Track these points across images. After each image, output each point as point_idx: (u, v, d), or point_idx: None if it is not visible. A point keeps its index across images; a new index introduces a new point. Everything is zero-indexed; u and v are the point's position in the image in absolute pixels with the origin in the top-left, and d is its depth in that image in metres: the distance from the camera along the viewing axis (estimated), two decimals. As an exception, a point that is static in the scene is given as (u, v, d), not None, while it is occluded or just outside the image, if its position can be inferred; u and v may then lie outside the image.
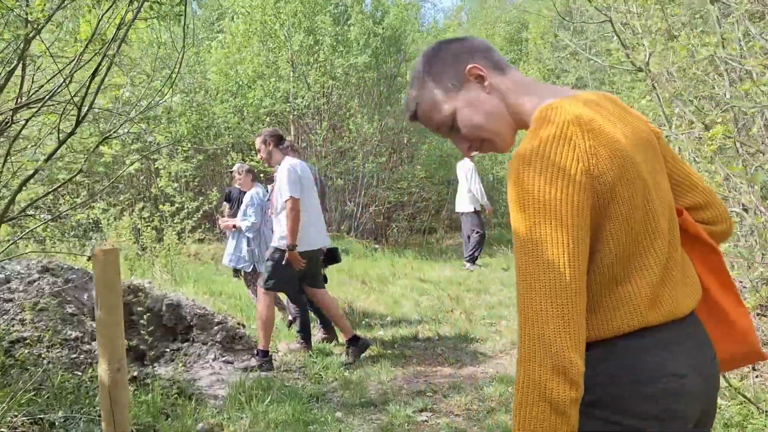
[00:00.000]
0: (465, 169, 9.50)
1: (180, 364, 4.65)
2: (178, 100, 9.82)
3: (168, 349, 5.05)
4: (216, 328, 5.20)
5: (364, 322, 6.35)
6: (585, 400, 1.07)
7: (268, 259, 5.04)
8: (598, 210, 1.10)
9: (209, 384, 4.46)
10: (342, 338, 5.73)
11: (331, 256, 5.63)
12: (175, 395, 3.95)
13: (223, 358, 4.99)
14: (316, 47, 11.42)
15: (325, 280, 5.56)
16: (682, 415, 1.13)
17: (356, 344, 5.11)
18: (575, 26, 19.15)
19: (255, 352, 4.95)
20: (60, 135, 2.79)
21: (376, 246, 12.18)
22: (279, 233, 5.02)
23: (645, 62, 4.41)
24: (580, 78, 16.47)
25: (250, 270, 6.22)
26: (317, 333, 5.65)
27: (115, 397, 2.31)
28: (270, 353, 4.94)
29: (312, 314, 5.56)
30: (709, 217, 1.37)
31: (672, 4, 4.91)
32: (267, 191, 5.97)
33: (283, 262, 4.89)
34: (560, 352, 1.02)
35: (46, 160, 2.78)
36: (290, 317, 5.98)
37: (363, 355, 5.17)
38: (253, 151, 11.85)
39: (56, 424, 3.17)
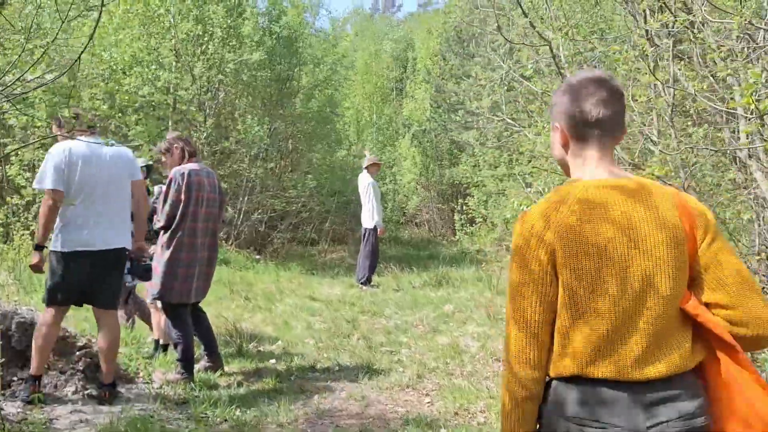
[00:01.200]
0: (363, 185, 9.09)
1: (35, 399, 3.73)
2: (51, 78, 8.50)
3: (16, 378, 4.08)
4: (78, 353, 4.30)
5: (252, 348, 5.66)
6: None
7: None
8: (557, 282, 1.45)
9: (70, 426, 3.60)
10: (227, 367, 5.05)
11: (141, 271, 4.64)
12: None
13: (87, 391, 4.11)
14: (205, 38, 10.48)
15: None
16: None
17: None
18: (465, 50, 19.57)
19: (107, 383, 4.06)
20: None
21: (258, 257, 11.39)
22: None
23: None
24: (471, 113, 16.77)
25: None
26: (201, 361, 4.90)
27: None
28: (38, 378, 3.85)
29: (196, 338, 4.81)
30: (733, 318, 1.42)
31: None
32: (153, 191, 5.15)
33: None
34: (521, 364, 1.45)
35: None
36: (161, 340, 5.17)
37: (255, 388, 4.53)
38: (125, 143, 10.65)
39: None
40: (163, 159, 4.80)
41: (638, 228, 1.41)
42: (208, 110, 10.89)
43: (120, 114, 10.84)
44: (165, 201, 4.48)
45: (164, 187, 4.58)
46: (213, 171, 4.90)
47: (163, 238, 4.51)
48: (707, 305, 1.44)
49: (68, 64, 10.05)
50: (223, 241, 11.64)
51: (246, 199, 12.16)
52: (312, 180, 12.48)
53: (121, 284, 4.32)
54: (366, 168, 9.31)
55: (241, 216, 12.12)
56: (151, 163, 5.93)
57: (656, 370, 1.37)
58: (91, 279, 3.90)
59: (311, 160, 13.36)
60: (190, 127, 11.21)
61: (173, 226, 4.46)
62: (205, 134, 10.71)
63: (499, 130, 8.20)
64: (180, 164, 4.62)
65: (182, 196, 4.46)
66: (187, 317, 4.58)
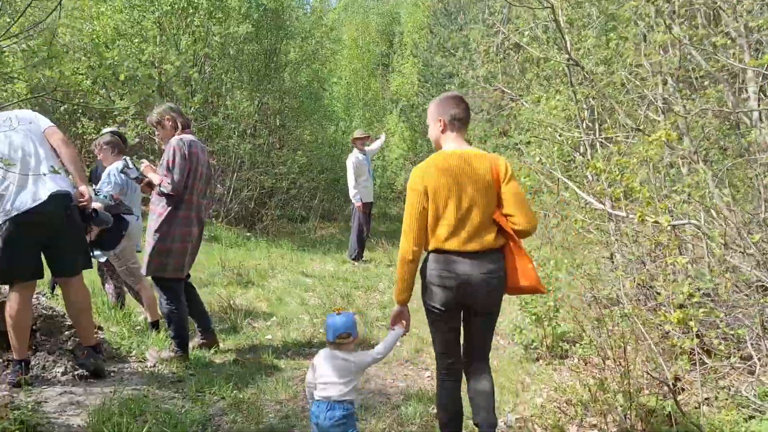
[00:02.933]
0: (350, 161, 8.93)
1: (21, 382, 3.60)
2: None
3: (2, 360, 3.94)
4: (66, 333, 4.16)
5: (247, 324, 5.55)
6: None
7: None
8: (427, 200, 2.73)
9: (60, 409, 3.47)
10: (222, 344, 4.94)
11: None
12: (16, 429, 2.97)
13: (77, 372, 3.99)
14: (190, 10, 10.17)
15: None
16: (446, 297, 2.70)
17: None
18: (453, 23, 19.28)
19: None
20: None
21: (249, 234, 11.24)
22: None
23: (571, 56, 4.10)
24: (464, 84, 16.54)
25: (104, 261, 5.18)
26: (194, 338, 4.79)
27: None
28: (24, 362, 3.70)
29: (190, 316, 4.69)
30: (513, 220, 2.69)
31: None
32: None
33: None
34: (408, 243, 2.74)
35: None
36: (149, 318, 5.03)
37: (251, 365, 4.44)
38: (108, 118, 10.40)
39: None
40: (157, 133, 4.62)
41: (469, 174, 2.67)
42: (194, 85, 10.62)
43: (104, 89, 10.57)
44: (170, 169, 4.23)
45: (169, 157, 4.27)
46: (204, 145, 4.74)
47: (158, 208, 4.31)
48: (505, 215, 2.70)
49: (47, 27, 9.75)
50: (213, 219, 11.48)
51: (235, 176, 11.96)
52: (301, 156, 12.28)
53: (81, 246, 3.86)
54: (352, 143, 9.16)
55: (231, 193, 11.94)
56: (114, 129, 5.64)
57: (478, 246, 2.66)
58: (40, 245, 3.61)
59: (300, 136, 13.13)
60: (177, 102, 10.95)
61: (176, 199, 4.27)
62: (192, 110, 10.46)
63: (495, 100, 8.00)
64: (174, 136, 4.43)
65: (188, 165, 4.28)
66: (180, 293, 4.45)
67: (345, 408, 2.70)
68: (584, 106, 4.94)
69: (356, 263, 8.88)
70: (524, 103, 5.45)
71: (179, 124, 4.46)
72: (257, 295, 6.69)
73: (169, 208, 4.29)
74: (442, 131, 2.83)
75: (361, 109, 24.50)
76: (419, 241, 2.70)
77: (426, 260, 2.79)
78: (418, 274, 2.82)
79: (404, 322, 2.87)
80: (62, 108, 10.31)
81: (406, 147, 21.35)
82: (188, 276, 4.67)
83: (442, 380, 2.89)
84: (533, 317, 4.70)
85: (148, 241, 4.31)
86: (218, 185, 11.73)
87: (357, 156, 8.89)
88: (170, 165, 4.25)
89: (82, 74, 10.09)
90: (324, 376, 2.75)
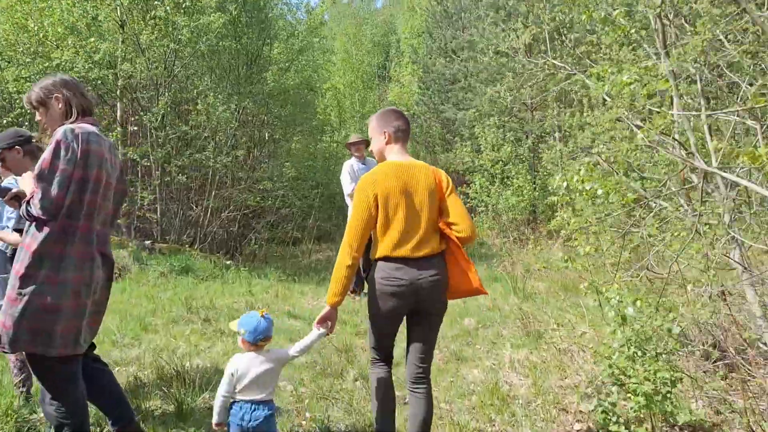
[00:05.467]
0: (345, 167, 7.35)
1: None
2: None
3: None
4: None
5: (201, 404, 3.90)
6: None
7: None
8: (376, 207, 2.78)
9: None
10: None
11: None
12: None
13: None
14: (155, 1, 8.60)
15: None
16: (397, 303, 2.74)
17: None
18: (455, 24, 17.84)
19: None
20: None
21: (229, 262, 9.59)
22: None
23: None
24: (470, 88, 14.99)
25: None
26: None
27: None
28: None
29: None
30: (457, 228, 2.80)
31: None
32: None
33: None
34: (350, 248, 2.73)
35: None
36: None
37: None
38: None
39: None
40: (38, 117, 2.96)
41: (415, 184, 2.80)
42: (161, 88, 9.03)
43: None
44: (43, 178, 2.59)
45: (46, 157, 2.67)
46: (113, 143, 3.09)
47: (29, 241, 2.63)
48: (447, 224, 2.83)
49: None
50: (187, 246, 9.84)
51: (214, 193, 10.35)
52: (289, 169, 10.67)
53: None
54: (347, 147, 7.58)
55: (208, 214, 10.31)
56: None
57: (423, 252, 2.76)
58: None
59: (289, 148, 11.54)
60: (141, 109, 9.36)
61: (62, 226, 2.64)
62: (158, 117, 8.86)
63: (543, 77, 6.39)
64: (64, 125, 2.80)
65: (78, 172, 2.68)
66: (75, 380, 2.78)
67: (269, 407, 2.75)
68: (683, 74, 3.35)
69: (357, 297, 7.24)
70: (583, 78, 3.87)
71: (74, 108, 2.83)
72: (225, 351, 5.04)
73: (60, 239, 2.64)
74: (387, 143, 2.91)
75: (358, 122, 23.01)
76: (361, 248, 2.75)
77: (373, 268, 2.81)
78: None
79: (330, 323, 2.86)
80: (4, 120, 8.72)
81: (407, 160, 19.80)
82: (92, 347, 3.03)
83: (375, 364, 2.94)
84: (628, 386, 3.06)
85: (9, 296, 2.63)
86: (194, 205, 10.11)
87: (352, 164, 7.29)
88: (45, 169, 2.60)
89: (26, 79, 8.54)
90: (247, 380, 2.74)
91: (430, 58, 19.04)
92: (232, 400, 2.77)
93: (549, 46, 4.39)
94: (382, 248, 2.74)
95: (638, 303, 3.21)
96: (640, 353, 3.09)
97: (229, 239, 11.17)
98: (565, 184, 4.17)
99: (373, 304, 2.80)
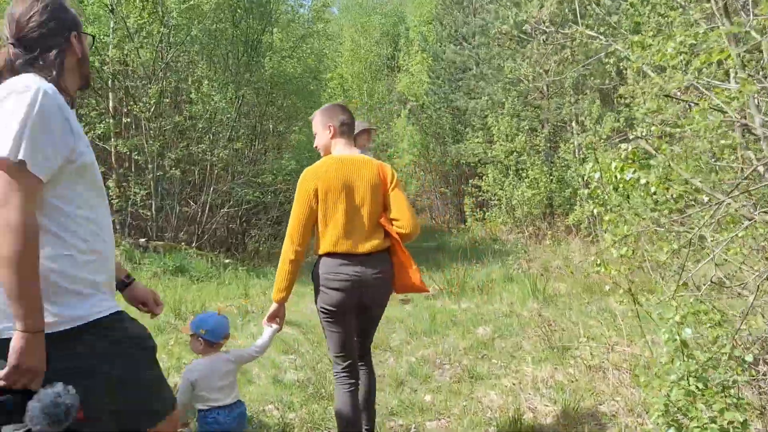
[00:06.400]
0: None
1: None
2: None
3: None
4: None
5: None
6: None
7: None
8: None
9: None
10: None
11: None
12: None
13: None
14: (143, -20, 8.03)
15: None
16: (343, 297, 2.65)
17: None
18: (465, 10, 17.14)
19: None
20: None
21: (228, 261, 9.04)
22: None
23: None
24: (482, 76, 14.34)
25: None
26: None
27: None
28: None
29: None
30: (398, 224, 2.75)
31: None
32: None
33: None
34: (292, 242, 2.64)
35: None
36: None
37: None
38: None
39: None
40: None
41: (359, 178, 2.72)
42: (152, 75, 8.46)
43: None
44: None
45: None
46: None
47: None
48: (389, 219, 2.78)
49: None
50: (185, 245, 9.29)
51: (212, 188, 9.80)
52: (289, 161, 10.08)
53: None
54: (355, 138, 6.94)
55: (206, 211, 9.76)
56: None
57: (366, 248, 2.69)
58: None
59: (287, 137, 10.95)
60: (132, 98, 8.80)
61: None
62: (150, 107, 8.29)
63: (571, 47, 5.70)
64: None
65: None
66: None
67: (240, 404, 2.72)
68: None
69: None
70: (619, 48, 3.25)
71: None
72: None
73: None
74: (332, 137, 2.89)
75: (365, 113, 22.41)
76: (303, 241, 2.70)
77: (317, 264, 2.74)
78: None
79: (279, 319, 2.83)
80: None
81: (417, 152, 19.14)
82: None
83: (341, 381, 2.84)
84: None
85: None
86: (190, 201, 9.57)
87: (364, 154, 6.66)
88: None
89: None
90: (211, 385, 2.63)
91: (440, 46, 18.39)
92: (200, 410, 2.64)
93: (579, 14, 3.80)
94: (325, 244, 2.70)
95: (692, 321, 2.61)
96: (701, 385, 2.48)
97: (230, 236, 10.64)
98: (597, 174, 3.57)
99: (321, 300, 2.76)
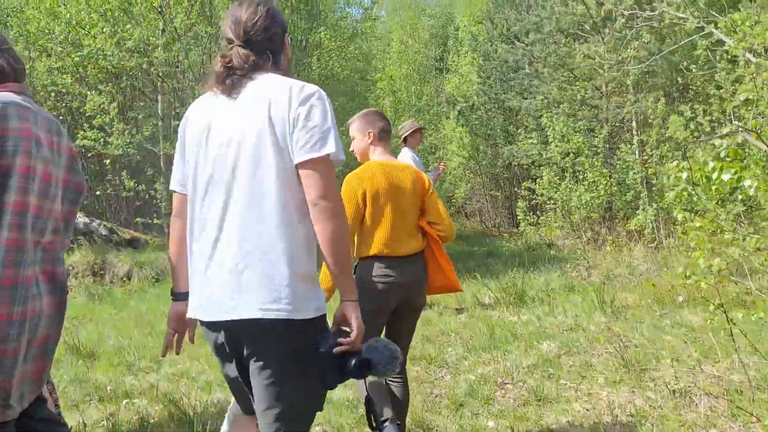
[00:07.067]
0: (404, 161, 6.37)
1: None
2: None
3: None
4: None
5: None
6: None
7: None
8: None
9: None
10: None
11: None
12: None
13: None
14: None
15: None
16: (385, 300, 2.77)
17: None
18: (519, 7, 16.61)
19: None
20: None
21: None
22: None
23: None
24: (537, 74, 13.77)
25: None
26: None
27: None
28: None
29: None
30: (438, 228, 2.95)
31: None
32: None
33: None
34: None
35: None
36: None
37: None
38: (85, 123, 8.21)
39: None
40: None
41: (400, 183, 2.84)
42: (200, 76, 8.34)
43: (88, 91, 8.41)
44: None
45: None
46: (57, 121, 2.24)
47: None
48: (428, 222, 2.96)
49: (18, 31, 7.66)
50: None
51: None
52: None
53: None
54: (404, 139, 6.57)
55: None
56: None
57: (407, 250, 2.83)
58: None
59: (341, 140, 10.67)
60: (180, 100, 8.70)
61: None
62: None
63: (659, 31, 5.19)
64: None
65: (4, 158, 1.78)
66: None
67: None
68: None
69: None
70: (715, 30, 2.81)
71: None
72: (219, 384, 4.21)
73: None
74: (371, 143, 2.96)
75: (414, 115, 22.07)
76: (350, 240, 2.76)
77: (363, 267, 2.81)
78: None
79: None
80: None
81: (466, 154, 18.65)
82: (40, 403, 2.20)
83: None
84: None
85: None
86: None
87: (413, 155, 6.31)
88: None
89: (65, 72, 8.01)
90: None
91: (491, 45, 17.88)
92: None
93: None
94: (373, 246, 2.80)
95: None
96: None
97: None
98: (684, 174, 3.13)
99: (362, 301, 2.56)
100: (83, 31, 8.06)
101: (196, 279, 1.75)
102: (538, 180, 12.21)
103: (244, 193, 1.66)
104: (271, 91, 1.69)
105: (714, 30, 2.81)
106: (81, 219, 8.25)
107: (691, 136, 5.03)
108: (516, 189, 15.88)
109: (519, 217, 14.47)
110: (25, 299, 1.85)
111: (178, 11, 7.92)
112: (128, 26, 8.16)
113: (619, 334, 4.96)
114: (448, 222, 3.00)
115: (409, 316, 2.96)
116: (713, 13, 3.16)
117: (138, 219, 8.55)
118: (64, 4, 7.98)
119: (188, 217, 1.79)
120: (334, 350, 1.68)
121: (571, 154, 11.38)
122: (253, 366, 1.71)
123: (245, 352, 1.70)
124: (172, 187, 1.90)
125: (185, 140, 1.84)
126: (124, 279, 7.82)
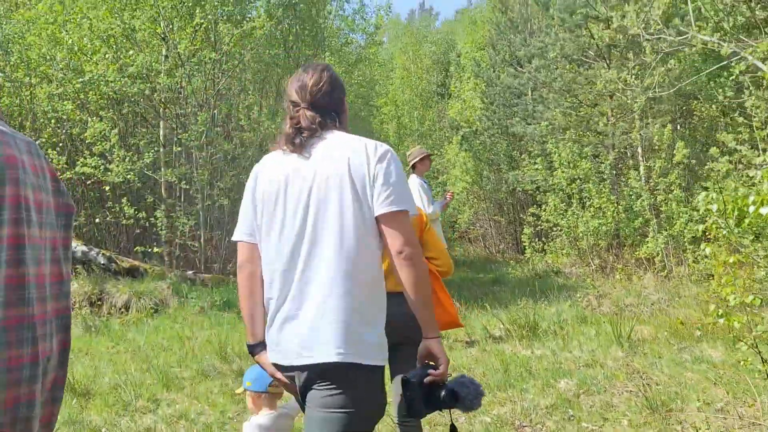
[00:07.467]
0: (412, 188, 6.23)
1: None
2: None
3: None
4: None
5: None
6: None
7: None
8: None
9: None
10: None
11: None
12: None
13: None
14: (189, 3, 7.75)
15: None
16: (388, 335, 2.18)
17: None
18: (521, 34, 16.63)
19: None
20: None
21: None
22: None
23: None
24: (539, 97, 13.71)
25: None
26: None
27: None
28: None
29: None
30: (436, 263, 2.92)
31: None
32: None
33: None
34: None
35: None
36: None
37: None
38: (85, 150, 8.08)
39: None
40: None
41: None
42: (202, 102, 8.22)
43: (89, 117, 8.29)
44: None
45: None
46: (33, 141, 2.07)
47: None
48: (427, 257, 2.79)
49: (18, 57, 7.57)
50: (233, 276, 8.92)
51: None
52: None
53: None
54: (413, 166, 6.45)
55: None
56: None
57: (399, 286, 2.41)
58: None
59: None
60: (181, 126, 8.58)
61: None
62: (201, 133, 8.02)
63: (684, 57, 5.05)
64: None
65: None
66: None
67: None
68: None
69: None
70: (749, 57, 2.66)
71: None
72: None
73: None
74: None
75: (417, 140, 22.04)
76: None
77: None
78: None
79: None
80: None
81: (470, 179, 18.53)
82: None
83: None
84: None
85: None
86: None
87: (421, 182, 6.19)
88: None
89: (67, 99, 7.90)
90: None
91: (494, 71, 17.87)
92: None
93: (693, 17, 3.22)
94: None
95: None
96: None
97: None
98: (714, 207, 2.95)
99: None
100: (85, 57, 7.97)
101: (275, 326, 1.82)
102: (543, 206, 12.05)
103: (326, 243, 1.75)
104: (347, 148, 1.81)
105: (749, 57, 2.67)
106: (79, 247, 8.07)
107: (733, 168, 4.86)
108: (521, 215, 15.72)
109: (524, 244, 14.29)
110: (35, 340, 1.66)
111: (182, 37, 7.84)
112: (131, 52, 8.08)
113: (639, 370, 4.74)
114: (447, 257, 3.01)
115: (411, 355, 2.75)
116: (743, 38, 3.02)
117: (138, 247, 8.36)
118: (67, 31, 7.90)
119: (265, 267, 1.86)
120: (425, 380, 1.77)
121: (578, 180, 11.23)
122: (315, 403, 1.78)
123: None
124: (237, 237, 1.94)
125: (256, 194, 1.89)
126: (122, 309, 7.60)
